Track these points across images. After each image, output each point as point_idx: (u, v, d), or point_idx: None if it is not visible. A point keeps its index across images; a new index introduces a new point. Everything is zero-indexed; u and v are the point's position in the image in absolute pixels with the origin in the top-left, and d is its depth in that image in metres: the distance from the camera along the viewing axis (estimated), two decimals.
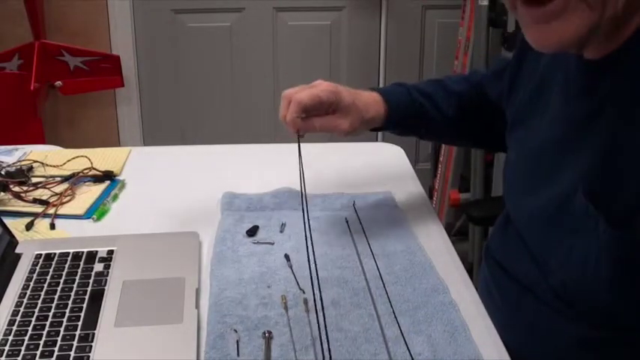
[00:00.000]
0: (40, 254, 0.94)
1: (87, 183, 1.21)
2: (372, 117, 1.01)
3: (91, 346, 0.76)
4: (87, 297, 0.86)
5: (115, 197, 1.18)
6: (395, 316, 0.82)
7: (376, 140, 2.83)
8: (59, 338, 0.78)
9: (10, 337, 0.78)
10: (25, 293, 0.86)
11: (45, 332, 0.79)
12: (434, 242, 1.02)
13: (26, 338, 0.78)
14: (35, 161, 1.26)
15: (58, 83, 2.57)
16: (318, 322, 0.77)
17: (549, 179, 0.83)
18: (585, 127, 0.77)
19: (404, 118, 1.05)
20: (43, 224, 1.08)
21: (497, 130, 1.05)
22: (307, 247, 0.85)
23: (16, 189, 1.15)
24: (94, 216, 1.10)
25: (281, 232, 1.03)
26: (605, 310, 0.78)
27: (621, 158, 0.72)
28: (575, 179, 0.77)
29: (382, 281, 0.89)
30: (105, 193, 1.18)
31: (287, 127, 0.95)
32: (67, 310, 0.83)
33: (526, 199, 0.88)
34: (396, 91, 1.06)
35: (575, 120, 0.79)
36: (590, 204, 0.74)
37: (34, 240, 1.02)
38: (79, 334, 0.78)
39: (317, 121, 0.95)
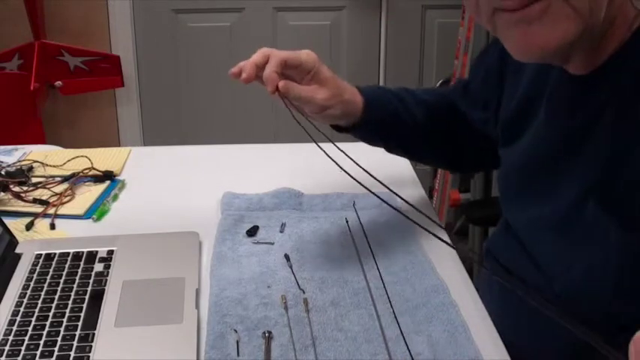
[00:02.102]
0: (40, 254, 0.94)
1: (87, 183, 1.21)
2: (348, 100, 0.94)
3: (91, 346, 0.76)
4: (87, 297, 0.86)
5: (115, 197, 1.18)
6: (395, 316, 0.82)
7: None
8: (59, 338, 0.78)
9: (10, 337, 0.78)
10: (25, 293, 0.86)
11: (45, 332, 0.79)
12: (434, 242, 1.02)
13: (26, 338, 0.78)
14: (35, 161, 1.26)
15: (58, 83, 2.58)
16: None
17: (547, 190, 0.83)
18: (580, 139, 0.77)
19: (380, 116, 0.99)
20: (43, 224, 1.08)
21: (468, 152, 1.05)
22: None
23: (16, 189, 1.15)
24: (94, 216, 1.10)
25: (281, 232, 1.03)
26: (609, 314, 0.79)
27: (628, 167, 0.72)
28: (579, 189, 0.77)
29: (382, 281, 0.89)
30: (105, 193, 1.18)
31: (265, 84, 0.87)
32: (67, 310, 0.83)
33: (524, 211, 0.88)
34: (370, 89, 1.01)
35: (568, 133, 0.79)
36: (604, 211, 0.74)
37: (34, 240, 1.02)
38: (79, 334, 0.78)
39: (295, 86, 0.88)
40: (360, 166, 0.77)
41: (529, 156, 0.87)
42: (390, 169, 1.26)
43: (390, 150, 1.08)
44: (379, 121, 1.00)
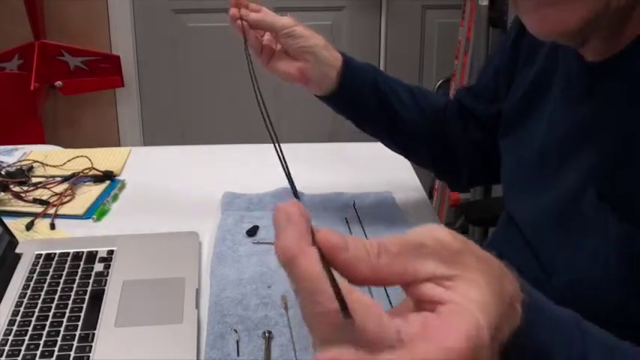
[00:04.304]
0: (40, 254, 0.94)
1: (87, 183, 1.21)
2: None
3: (91, 346, 0.76)
4: (87, 297, 0.86)
5: (115, 197, 1.18)
6: None
7: (376, 140, 2.84)
8: (59, 338, 0.78)
9: (10, 337, 0.78)
10: (25, 293, 0.86)
11: (45, 332, 0.79)
12: None
13: (26, 338, 0.78)
14: (35, 161, 1.26)
15: (58, 83, 2.57)
16: None
17: (552, 181, 0.83)
18: (589, 128, 0.77)
19: (360, 85, 0.99)
20: (43, 224, 1.08)
21: (461, 153, 1.04)
22: None
23: (16, 189, 1.15)
24: (94, 216, 1.10)
25: None
26: (614, 309, 0.78)
27: (634, 157, 0.72)
28: (582, 179, 0.77)
29: None
30: (105, 193, 1.18)
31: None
32: (67, 310, 0.83)
33: (527, 201, 0.88)
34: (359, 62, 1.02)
35: (578, 121, 0.79)
36: (601, 202, 0.74)
37: (34, 240, 1.02)
38: (79, 334, 0.78)
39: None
40: (286, 168, 0.78)
41: (538, 143, 0.86)
42: (391, 168, 1.26)
43: (376, 134, 1.08)
44: (360, 84, 1.00)
